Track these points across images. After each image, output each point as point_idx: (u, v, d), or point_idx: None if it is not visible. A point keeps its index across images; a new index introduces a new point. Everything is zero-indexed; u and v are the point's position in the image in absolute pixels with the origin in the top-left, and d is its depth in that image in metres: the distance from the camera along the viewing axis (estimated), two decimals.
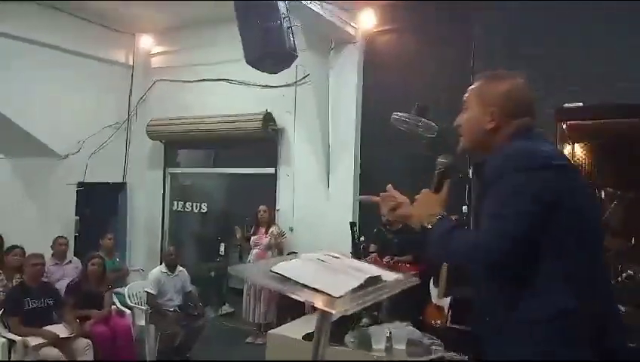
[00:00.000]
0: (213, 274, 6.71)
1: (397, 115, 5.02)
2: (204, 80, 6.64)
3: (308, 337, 4.60)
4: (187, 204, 7.08)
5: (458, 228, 1.44)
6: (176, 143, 7.06)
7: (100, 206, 6.73)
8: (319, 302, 1.33)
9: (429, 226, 1.48)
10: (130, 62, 7.09)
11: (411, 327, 2.18)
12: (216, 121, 6.40)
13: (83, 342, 4.14)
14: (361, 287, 1.45)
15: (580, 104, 3.49)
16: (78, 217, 6.49)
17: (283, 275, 1.49)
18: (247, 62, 3.98)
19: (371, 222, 5.22)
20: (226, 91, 6.48)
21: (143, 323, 4.87)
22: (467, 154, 1.61)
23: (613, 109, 3.30)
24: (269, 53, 3.90)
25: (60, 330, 4.13)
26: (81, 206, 6.54)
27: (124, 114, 7.06)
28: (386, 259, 4.92)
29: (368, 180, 5.64)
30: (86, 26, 6.33)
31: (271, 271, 1.54)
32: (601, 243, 1.46)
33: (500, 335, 1.39)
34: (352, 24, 5.55)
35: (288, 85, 6.01)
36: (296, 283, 1.46)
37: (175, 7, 6.06)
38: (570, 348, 1.28)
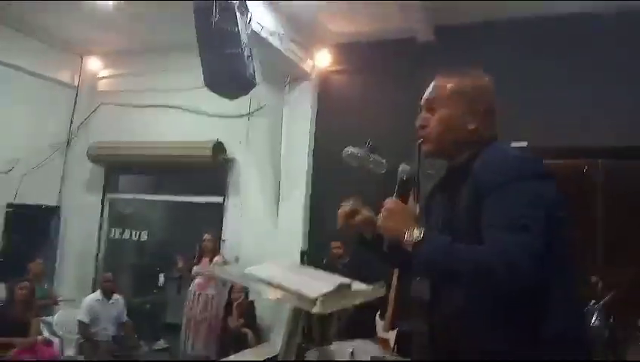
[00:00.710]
0: (148, 306, 6.40)
1: (349, 150, 5.15)
2: (153, 106, 6.54)
3: None
4: (126, 231, 6.79)
5: (456, 242, 1.23)
6: (119, 168, 6.83)
7: (29, 229, 6.32)
8: (297, 302, 1.34)
9: (410, 240, 1.27)
10: (76, 83, 6.87)
11: (373, 344, 2.19)
12: (164, 147, 6.27)
13: None
14: (333, 292, 1.47)
15: (524, 144, 3.73)
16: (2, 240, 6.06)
17: (257, 276, 1.49)
18: (207, 86, 4.01)
19: (320, 252, 5.25)
20: (175, 119, 6.42)
21: (72, 353, 4.55)
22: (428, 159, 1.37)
23: (555, 150, 3.53)
24: (229, 78, 3.95)
25: None
26: (9, 228, 6.12)
27: (65, 135, 6.78)
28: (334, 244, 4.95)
29: (319, 212, 5.68)
30: (31, 42, 6.12)
31: (245, 272, 1.54)
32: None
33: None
34: (308, 61, 5.73)
35: (241, 116, 6.04)
36: (270, 283, 1.46)
37: (125, 31, 6.02)
38: None
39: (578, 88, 4.58)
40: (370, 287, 1.69)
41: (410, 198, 1.46)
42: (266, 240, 5.89)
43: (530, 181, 1.23)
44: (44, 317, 4.76)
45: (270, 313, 5.71)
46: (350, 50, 5.74)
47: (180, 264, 5.82)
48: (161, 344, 6.36)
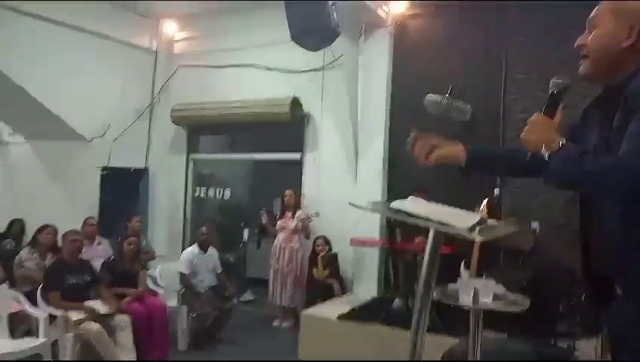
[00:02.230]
0: (232, 260, 6.71)
1: (431, 96, 5.04)
2: (228, 66, 6.64)
3: (343, 317, 4.66)
4: (210, 190, 7.08)
5: (588, 153, 1.29)
6: (200, 129, 7.05)
7: (122, 191, 6.72)
8: (457, 228, 1.34)
9: (547, 152, 1.32)
10: (154, 48, 7.07)
11: (493, 282, 2.20)
12: (241, 106, 6.39)
13: (122, 319, 4.13)
14: (478, 223, 1.46)
15: None
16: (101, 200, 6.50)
17: (406, 211, 1.50)
18: (292, 38, 4.01)
19: None
20: (251, 77, 6.49)
21: (173, 304, 4.87)
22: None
23: None
24: (314, 28, 3.92)
25: (98, 306, 4.12)
26: (105, 190, 6.53)
27: (148, 99, 7.04)
28: (418, 239, 4.93)
29: (397, 168, 5.63)
30: (111, 9, 6.32)
31: (390, 207, 1.56)
32: None
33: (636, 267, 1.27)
34: (383, 7, 5.55)
35: (316, 70, 6.01)
36: (420, 216, 1.47)
37: None
38: None
39: None
40: (508, 221, 1.69)
41: (558, 113, 1.45)
42: (345, 194, 5.93)
43: None
44: (149, 271, 5.09)
45: (352, 265, 5.83)
46: None
47: (264, 220, 6.01)
48: (248, 295, 6.70)
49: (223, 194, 7.01)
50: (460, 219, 1.44)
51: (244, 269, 6.88)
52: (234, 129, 6.83)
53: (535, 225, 4.85)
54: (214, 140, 7.31)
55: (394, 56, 5.74)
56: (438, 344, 2.85)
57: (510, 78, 5.13)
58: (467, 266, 4.42)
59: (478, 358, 2.19)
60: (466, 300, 2.06)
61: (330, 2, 3.92)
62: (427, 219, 1.44)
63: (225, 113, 6.50)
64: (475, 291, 2.04)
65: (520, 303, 2.14)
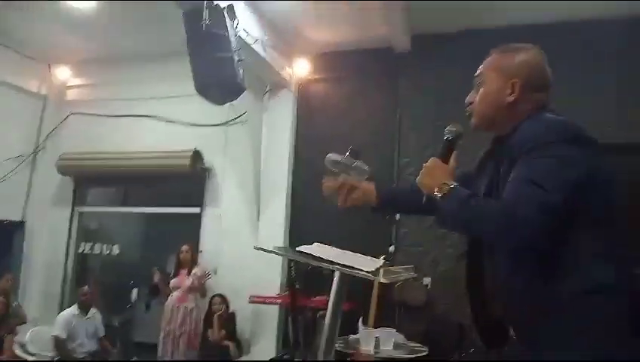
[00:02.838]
0: (117, 324, 6.14)
1: (331, 156, 5.20)
2: (125, 115, 6.39)
3: None
4: (96, 245, 6.54)
5: (476, 196, 1.35)
6: (90, 180, 6.60)
7: None
8: (362, 271, 1.35)
9: (440, 195, 1.38)
10: (43, 92, 6.63)
11: (395, 331, 2.22)
12: (137, 157, 6.12)
13: None
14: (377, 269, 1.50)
15: None
16: None
17: (311, 254, 1.49)
18: (197, 91, 3.97)
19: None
20: (150, 128, 6.28)
21: None
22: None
23: None
24: (220, 82, 3.93)
25: None
26: None
27: (32, 147, 6.50)
28: (320, 298, 4.92)
29: (299, 224, 5.67)
30: None
31: (296, 250, 1.55)
32: (624, 223, 1.36)
33: (532, 312, 1.32)
34: (287, 69, 5.76)
35: (219, 125, 5.99)
36: (324, 260, 1.47)
37: (95, 39, 5.90)
38: (609, 322, 1.25)
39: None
40: (406, 268, 1.74)
41: (452, 159, 1.53)
42: (246, 250, 5.79)
43: (570, 145, 1.28)
44: (16, 336, 4.49)
45: (250, 325, 5.63)
46: (328, 59, 5.82)
47: (157, 278, 5.65)
48: None
49: (111, 251, 6.50)
50: (364, 264, 1.47)
51: (131, 333, 6.31)
52: (128, 181, 6.48)
53: (427, 280, 5.08)
54: (105, 193, 6.86)
55: (297, 116, 5.92)
56: None
57: (404, 142, 5.50)
58: (365, 322, 4.50)
59: None
60: (367, 349, 2.05)
61: (236, 57, 3.98)
62: (333, 263, 1.45)
63: (118, 164, 6.17)
64: (377, 340, 2.05)
65: (419, 351, 2.19)
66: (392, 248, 5.32)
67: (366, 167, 5.50)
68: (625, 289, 1.29)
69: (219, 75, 3.93)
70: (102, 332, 4.77)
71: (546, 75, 1.48)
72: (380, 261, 1.50)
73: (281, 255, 1.98)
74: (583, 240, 1.28)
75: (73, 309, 4.66)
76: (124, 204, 6.67)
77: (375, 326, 4.28)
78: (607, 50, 4.72)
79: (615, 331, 1.26)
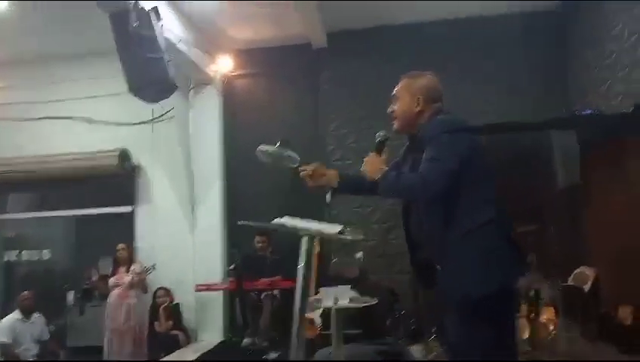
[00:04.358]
0: (53, 328, 6.05)
1: (263, 146, 5.51)
2: (44, 118, 6.23)
3: None
4: (23, 252, 6.36)
5: (402, 173, 1.99)
6: (7, 186, 6.37)
7: None
8: (330, 233, 1.74)
9: (380, 176, 1.96)
10: None
11: (349, 288, 2.69)
12: (60, 160, 6.03)
13: None
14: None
15: None
16: None
17: (286, 225, 1.86)
18: (130, 91, 4.10)
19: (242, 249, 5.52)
20: (72, 130, 6.20)
21: None
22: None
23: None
24: (152, 81, 4.09)
25: None
26: None
27: None
28: (263, 280, 5.27)
29: (235, 214, 5.87)
30: None
31: (273, 222, 1.90)
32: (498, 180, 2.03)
33: (446, 246, 1.88)
34: (211, 66, 5.96)
35: (144, 123, 6.04)
36: (296, 227, 1.84)
37: (11, 42, 5.71)
38: (500, 243, 1.87)
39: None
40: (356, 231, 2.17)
41: (384, 154, 2.10)
42: (182, 242, 5.99)
43: (452, 133, 1.92)
44: None
45: (195, 314, 5.84)
46: (251, 56, 6.12)
47: (95, 277, 5.67)
48: None
49: (40, 256, 6.35)
50: (329, 228, 1.87)
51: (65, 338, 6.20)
52: (51, 185, 6.32)
53: (359, 255, 5.58)
54: (26, 198, 6.65)
55: (224, 110, 6.15)
56: None
57: (326, 131, 5.94)
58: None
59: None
60: (328, 304, 2.46)
61: (166, 57, 4.16)
62: (304, 229, 1.82)
63: (38, 168, 6.04)
64: (335, 296, 2.47)
65: (370, 301, 2.67)
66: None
67: (296, 156, 5.92)
68: (504, 222, 1.92)
69: (151, 75, 4.09)
70: (46, 336, 4.76)
71: (439, 90, 2.11)
72: (339, 226, 1.90)
73: (262, 226, 2.35)
74: (472, 191, 1.90)
75: (16, 314, 4.61)
76: (49, 208, 6.49)
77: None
78: (495, 43, 5.45)
79: (500, 252, 1.86)
